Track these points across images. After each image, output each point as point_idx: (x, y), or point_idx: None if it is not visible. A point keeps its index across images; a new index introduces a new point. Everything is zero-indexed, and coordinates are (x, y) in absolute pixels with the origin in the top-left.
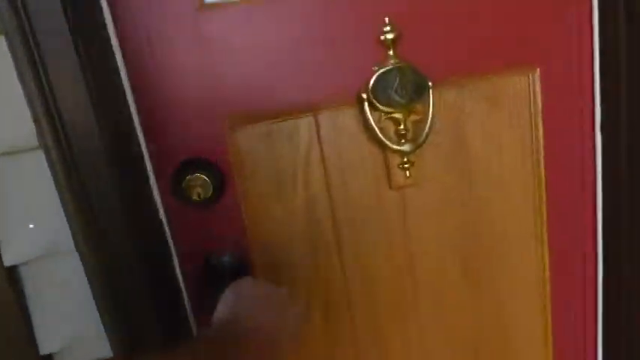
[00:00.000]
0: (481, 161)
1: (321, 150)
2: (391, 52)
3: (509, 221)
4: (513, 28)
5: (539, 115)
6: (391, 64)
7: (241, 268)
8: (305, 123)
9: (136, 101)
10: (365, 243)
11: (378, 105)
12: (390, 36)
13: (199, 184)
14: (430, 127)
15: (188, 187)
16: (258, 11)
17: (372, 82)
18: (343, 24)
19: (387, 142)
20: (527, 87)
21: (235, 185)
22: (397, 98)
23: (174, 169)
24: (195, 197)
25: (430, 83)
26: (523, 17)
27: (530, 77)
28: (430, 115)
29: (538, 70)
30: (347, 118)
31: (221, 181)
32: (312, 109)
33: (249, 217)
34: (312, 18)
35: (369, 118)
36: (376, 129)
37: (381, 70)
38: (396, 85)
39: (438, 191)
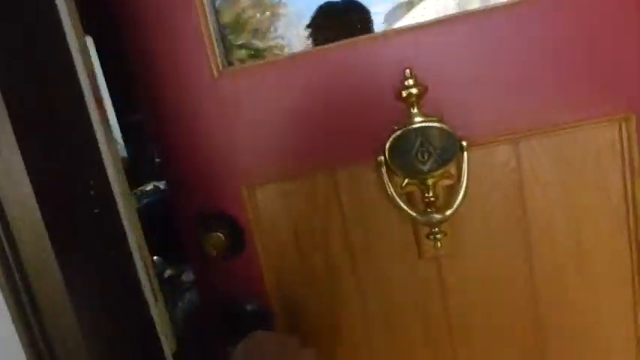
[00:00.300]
0: (548, 233)
1: (342, 213)
2: (415, 110)
3: (590, 307)
4: (593, 66)
5: (638, 175)
6: (415, 122)
7: (261, 319)
8: (322, 183)
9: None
10: (396, 315)
11: (396, 171)
12: (413, 91)
13: (215, 240)
14: (464, 195)
15: (205, 243)
16: (276, 74)
17: (388, 144)
18: (362, 80)
19: (410, 211)
20: (618, 140)
21: (254, 241)
22: (418, 164)
23: (193, 226)
24: (213, 253)
25: (464, 143)
26: (606, 51)
27: (623, 127)
28: (464, 182)
29: (634, 117)
30: (368, 180)
31: (239, 237)
32: (329, 169)
33: (269, 274)
34: (330, 75)
35: (387, 185)
36: (396, 197)
37: (399, 132)
38: (416, 148)
39: (485, 265)
